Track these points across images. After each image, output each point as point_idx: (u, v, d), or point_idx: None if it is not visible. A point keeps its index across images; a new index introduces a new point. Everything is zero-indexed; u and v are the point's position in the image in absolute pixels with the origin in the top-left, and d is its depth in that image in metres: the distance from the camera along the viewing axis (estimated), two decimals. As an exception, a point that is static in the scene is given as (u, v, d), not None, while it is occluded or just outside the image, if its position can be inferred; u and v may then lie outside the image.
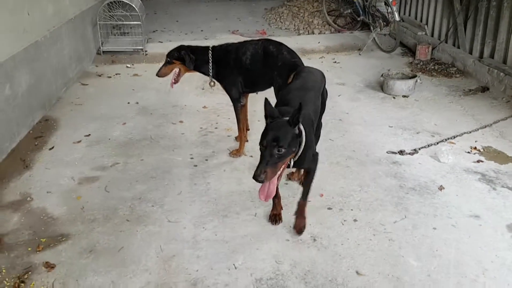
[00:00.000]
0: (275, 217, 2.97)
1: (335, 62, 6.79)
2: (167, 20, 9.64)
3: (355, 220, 3.02)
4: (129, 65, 6.51)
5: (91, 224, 2.98)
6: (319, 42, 7.65)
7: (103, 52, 6.90)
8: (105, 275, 2.53)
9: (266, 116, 2.41)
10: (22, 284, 2.45)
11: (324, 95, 3.20)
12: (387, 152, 3.92)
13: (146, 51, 6.93)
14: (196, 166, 3.71)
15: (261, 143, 2.31)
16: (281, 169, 2.35)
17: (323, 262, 2.64)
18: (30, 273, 2.53)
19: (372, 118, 4.68)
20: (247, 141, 3.96)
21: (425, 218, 3.04)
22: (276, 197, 2.95)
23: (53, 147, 4.05)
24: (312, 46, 7.52)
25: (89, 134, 4.28)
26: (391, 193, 3.32)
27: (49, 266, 2.58)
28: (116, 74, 6.16)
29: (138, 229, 2.92)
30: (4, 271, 2.54)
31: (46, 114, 4.73)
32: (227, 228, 2.94)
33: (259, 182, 2.28)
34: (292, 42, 7.58)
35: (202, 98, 5.25)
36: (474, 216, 3.04)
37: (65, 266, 2.60)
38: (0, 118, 3.81)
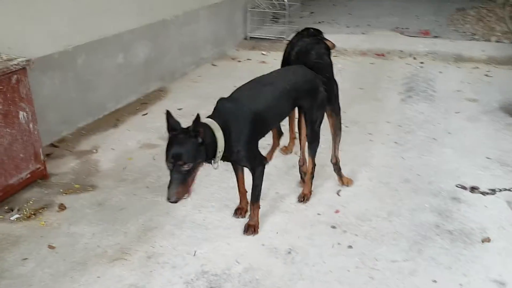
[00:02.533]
0: (237, 211, 2.95)
1: (487, 75, 5.86)
2: (341, 12, 9.73)
3: (349, 247, 2.69)
4: (264, 53, 6.78)
5: (119, 183, 3.34)
6: (483, 51, 6.68)
7: (250, 38, 7.34)
8: (92, 227, 2.85)
9: (168, 129, 2.32)
10: (33, 215, 2.94)
11: (315, 97, 2.89)
12: (456, 185, 3.31)
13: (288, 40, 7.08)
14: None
15: (166, 160, 2.28)
16: (193, 180, 2.33)
17: (278, 277, 2.46)
18: (45, 209, 3.02)
19: (473, 144, 3.95)
20: (295, 137, 3.81)
21: (433, 267, 2.52)
22: (239, 191, 2.90)
23: (146, 114, 4.59)
24: (472, 54, 6.62)
25: (181, 108, 4.68)
26: (417, 230, 2.83)
27: (62, 208, 3.03)
28: (247, 59, 6.50)
29: (147, 197, 3.17)
30: (31, 202, 3.08)
31: (163, 85, 5.34)
32: (219, 215, 2.96)
33: (173, 203, 2.28)
34: (451, 46, 6.86)
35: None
36: (498, 283, 2.39)
37: (72, 211, 3.01)
38: (109, 81, 4.50)
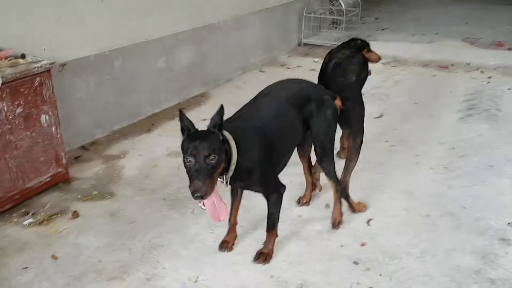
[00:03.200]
0: (222, 244, 2.65)
1: None
2: (409, 19, 9.24)
3: (369, 288, 2.37)
4: (316, 60, 6.47)
5: (137, 192, 3.23)
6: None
7: (304, 44, 7.08)
8: (99, 239, 2.74)
9: (182, 130, 2.10)
10: (46, 221, 2.89)
11: (321, 110, 2.60)
12: (508, 224, 2.85)
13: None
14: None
15: (187, 154, 2.00)
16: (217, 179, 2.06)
17: (280, 317, 2.19)
18: (59, 215, 2.96)
19: (538, 175, 3.43)
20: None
21: (465, 325, 2.13)
22: (229, 222, 2.63)
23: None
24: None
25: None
26: (452, 275, 2.44)
27: (75, 215, 2.96)
28: (297, 66, 6.24)
29: (161, 210, 3.02)
30: (47, 206, 3.04)
31: (205, 91, 5.22)
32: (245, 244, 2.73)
33: (201, 199, 1.98)
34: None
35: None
36: None
37: (84, 220, 2.92)
38: (147, 85, 4.44)
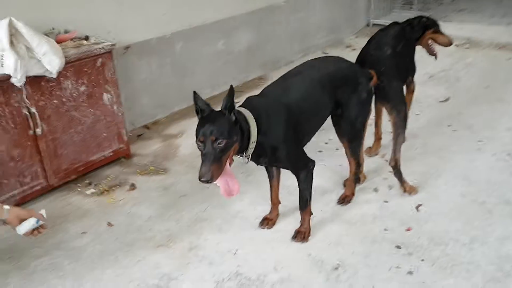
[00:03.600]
0: (263, 221, 2.71)
1: None
2: (493, 1, 8.51)
3: (409, 273, 2.33)
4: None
5: (189, 169, 3.36)
6: None
7: (373, 24, 6.85)
8: (151, 210, 2.91)
9: (197, 111, 2.12)
10: (106, 192, 3.12)
11: (353, 88, 2.57)
12: None
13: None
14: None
15: (197, 139, 2.05)
16: (227, 162, 2.08)
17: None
18: (118, 187, 3.18)
19: None
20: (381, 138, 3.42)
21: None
22: (271, 200, 2.66)
23: (238, 102, 4.54)
24: None
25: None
26: (500, 264, 2.33)
27: (132, 188, 3.16)
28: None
29: (209, 187, 3.09)
30: (109, 178, 3.27)
31: (265, 73, 5.26)
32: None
33: (206, 182, 2.02)
34: None
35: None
36: None
37: (139, 192, 3.12)
38: (207, 67, 4.56)
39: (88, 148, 3.23)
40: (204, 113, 2.12)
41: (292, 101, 2.36)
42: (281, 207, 2.76)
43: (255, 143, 2.18)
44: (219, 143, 2.01)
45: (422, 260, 2.39)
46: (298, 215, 2.64)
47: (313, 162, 2.44)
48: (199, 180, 2.00)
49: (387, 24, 3.25)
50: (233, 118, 2.08)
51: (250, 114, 2.18)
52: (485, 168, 3.19)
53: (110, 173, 3.35)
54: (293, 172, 2.43)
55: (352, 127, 2.62)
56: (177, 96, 4.36)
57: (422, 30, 3.24)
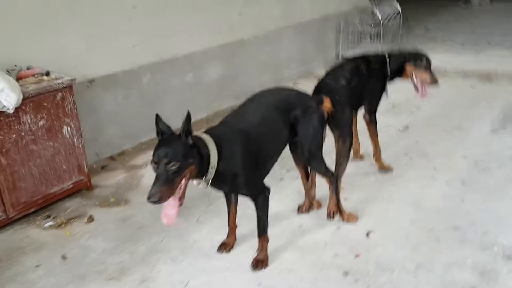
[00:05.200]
0: (221, 246, 2.77)
1: None
2: (462, 29, 8.99)
3: (353, 300, 2.36)
4: (351, 72, 6.43)
5: (151, 200, 3.40)
6: None
7: (342, 57, 7.05)
8: (107, 242, 2.93)
9: (157, 133, 2.21)
10: (64, 225, 3.13)
11: (306, 113, 2.67)
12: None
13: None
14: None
15: (152, 161, 2.12)
16: (180, 186, 2.13)
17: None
18: (76, 219, 3.19)
19: None
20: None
21: None
22: (229, 225, 2.73)
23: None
24: None
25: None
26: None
27: (90, 220, 3.18)
28: (331, 78, 6.22)
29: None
30: (68, 211, 3.29)
31: (236, 103, 5.34)
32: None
33: (154, 203, 2.06)
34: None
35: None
36: None
37: (97, 224, 3.14)
38: (176, 98, 4.64)
39: (48, 181, 3.26)
40: (164, 135, 2.19)
41: (250, 125, 2.47)
42: (241, 237, 2.81)
43: (215, 168, 2.25)
44: (172, 166, 2.06)
45: (368, 286, 2.44)
46: (253, 243, 2.68)
47: (268, 189, 2.52)
48: (147, 200, 2.04)
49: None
50: (190, 142, 2.14)
51: (211, 139, 2.26)
52: (437, 195, 3.28)
53: (70, 205, 3.37)
54: (251, 198, 2.50)
55: (308, 150, 2.71)
56: (145, 126, 4.40)
57: (399, 63, 3.38)
